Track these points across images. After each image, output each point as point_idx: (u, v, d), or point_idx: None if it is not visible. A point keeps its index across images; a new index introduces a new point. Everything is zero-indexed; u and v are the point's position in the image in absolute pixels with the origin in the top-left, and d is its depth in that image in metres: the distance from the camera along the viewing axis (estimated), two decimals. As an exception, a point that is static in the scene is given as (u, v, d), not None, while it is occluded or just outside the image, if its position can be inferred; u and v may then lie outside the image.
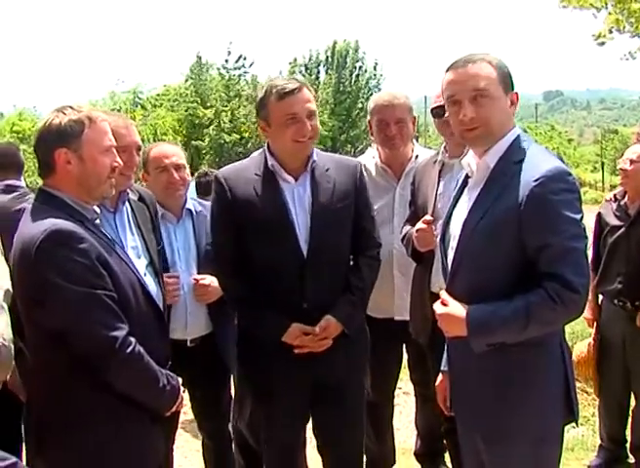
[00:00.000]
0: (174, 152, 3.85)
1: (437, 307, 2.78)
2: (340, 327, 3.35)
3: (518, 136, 2.73)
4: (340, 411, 3.48)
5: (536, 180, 2.53)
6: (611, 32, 15.68)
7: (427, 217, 3.65)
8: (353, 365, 3.50)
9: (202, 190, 5.30)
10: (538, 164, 2.59)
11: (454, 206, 2.91)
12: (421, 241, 3.63)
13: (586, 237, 2.63)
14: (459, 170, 3.41)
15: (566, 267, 2.50)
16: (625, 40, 15.95)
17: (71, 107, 2.74)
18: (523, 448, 2.70)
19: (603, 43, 15.92)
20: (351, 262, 3.54)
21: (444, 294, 2.79)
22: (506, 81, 2.70)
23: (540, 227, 2.54)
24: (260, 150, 3.46)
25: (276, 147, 3.38)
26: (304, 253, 3.30)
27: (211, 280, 3.71)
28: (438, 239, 2.99)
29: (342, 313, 3.36)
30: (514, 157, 2.66)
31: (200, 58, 33.65)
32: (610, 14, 15.37)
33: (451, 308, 2.72)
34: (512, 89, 2.72)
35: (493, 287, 2.65)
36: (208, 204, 4.01)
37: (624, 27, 15.39)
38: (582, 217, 2.60)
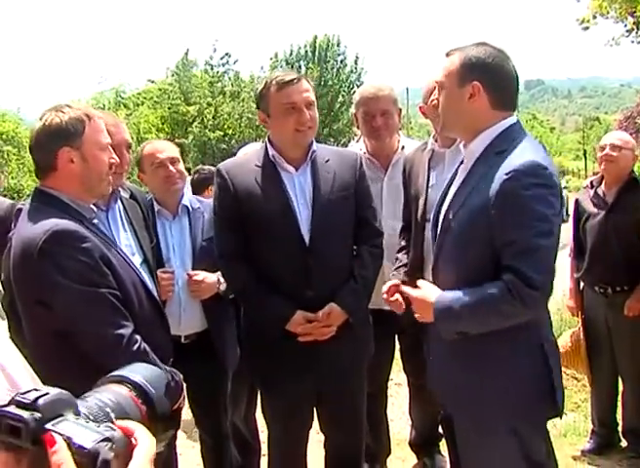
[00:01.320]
0: (166, 147, 3.87)
1: (410, 290, 2.82)
2: (344, 314, 3.37)
3: (509, 127, 2.70)
4: (343, 402, 3.54)
5: (507, 174, 2.51)
6: (595, 18, 15.76)
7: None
8: (358, 355, 3.54)
9: (196, 187, 5.27)
10: (515, 157, 2.56)
11: (446, 190, 2.92)
12: (393, 306, 3.57)
13: (553, 233, 2.56)
14: (451, 159, 3.43)
15: (527, 263, 2.48)
16: (610, 25, 16.03)
17: (68, 106, 2.72)
18: (502, 438, 2.70)
19: (587, 28, 16.00)
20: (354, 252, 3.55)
21: (421, 281, 2.83)
22: (464, 73, 2.68)
23: (506, 222, 2.52)
24: (262, 143, 3.51)
25: (276, 138, 3.43)
26: (307, 241, 3.33)
27: (204, 276, 3.72)
28: (431, 223, 3.01)
29: (346, 301, 3.38)
30: (498, 148, 2.64)
31: (187, 54, 33.55)
32: (593, -1, 15.45)
33: (423, 292, 2.76)
34: (473, 80, 2.66)
35: (471, 274, 2.66)
36: (206, 201, 4.04)
37: (608, 12, 15.47)
38: (558, 213, 2.57)
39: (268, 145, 3.45)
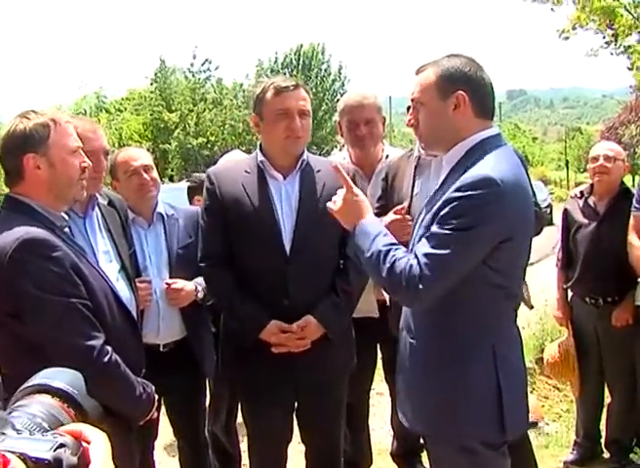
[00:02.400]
0: (140, 155, 3.82)
1: (345, 196, 2.80)
2: (321, 328, 3.33)
3: (483, 140, 2.63)
4: (319, 413, 3.51)
5: (457, 187, 2.47)
6: (574, 29, 15.87)
7: (399, 207, 3.64)
8: (337, 368, 3.50)
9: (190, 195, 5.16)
10: (473, 170, 2.50)
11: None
12: (398, 232, 3.56)
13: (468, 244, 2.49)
14: (437, 168, 3.40)
15: (426, 254, 2.46)
16: (590, 36, 16.20)
17: (34, 112, 2.66)
18: (463, 455, 2.65)
19: (567, 38, 16.10)
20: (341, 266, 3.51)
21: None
22: (445, 85, 2.62)
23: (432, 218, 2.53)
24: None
25: (266, 143, 3.41)
26: (287, 250, 3.29)
27: (183, 284, 3.68)
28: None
29: (324, 314, 3.33)
30: (468, 161, 2.58)
31: (164, 61, 33.49)
32: (577, 9, 15.56)
33: (360, 197, 2.78)
34: (457, 90, 2.61)
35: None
36: (181, 207, 4.01)
37: (587, 24, 15.59)
38: (479, 232, 2.45)
39: (258, 152, 3.43)
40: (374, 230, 2.66)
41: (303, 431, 3.65)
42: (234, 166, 3.53)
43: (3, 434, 1.06)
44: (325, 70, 41.56)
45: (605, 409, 5.06)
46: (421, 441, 4.44)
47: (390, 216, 3.63)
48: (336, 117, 4.33)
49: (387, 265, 2.53)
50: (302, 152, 3.42)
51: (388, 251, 2.56)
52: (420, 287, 2.45)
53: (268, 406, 3.41)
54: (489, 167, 2.49)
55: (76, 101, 31.45)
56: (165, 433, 4.27)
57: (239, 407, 4.52)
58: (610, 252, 4.65)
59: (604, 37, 16.17)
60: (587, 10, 15.08)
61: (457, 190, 2.46)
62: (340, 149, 4.61)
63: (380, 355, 4.49)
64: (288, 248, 3.30)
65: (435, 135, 2.73)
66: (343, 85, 40.64)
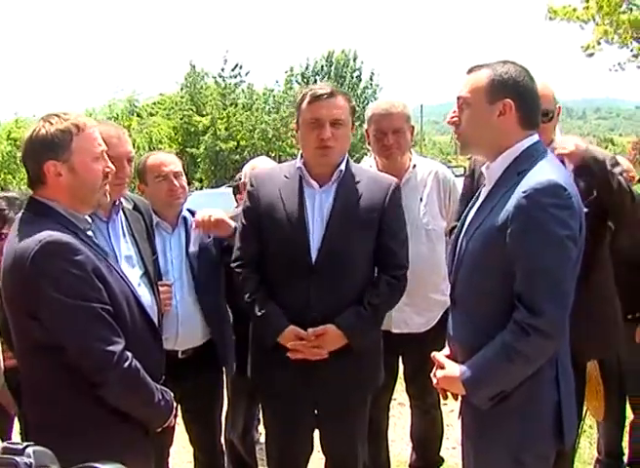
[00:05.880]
0: (172, 160, 3.82)
1: (437, 372, 2.76)
2: (342, 337, 3.29)
3: (531, 146, 2.63)
4: (338, 425, 3.49)
5: (524, 192, 2.46)
6: (599, 44, 15.74)
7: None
8: (361, 382, 3.47)
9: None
10: (532, 175, 2.51)
11: (469, 210, 2.85)
12: None
13: (568, 258, 2.48)
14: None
15: (533, 290, 2.43)
16: (614, 51, 16.07)
17: (57, 116, 2.63)
18: (496, 465, 2.64)
19: (592, 54, 15.99)
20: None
21: (439, 356, 2.78)
22: (495, 90, 2.62)
23: (518, 245, 2.46)
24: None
25: (303, 151, 3.43)
26: (313, 260, 3.28)
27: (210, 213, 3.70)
28: (451, 243, 2.95)
29: (346, 322, 3.30)
30: (519, 167, 2.58)
31: (194, 66, 33.65)
32: (598, 25, 15.42)
33: (447, 371, 2.70)
34: (505, 97, 2.60)
35: (487, 297, 2.61)
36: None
37: (613, 38, 15.45)
38: (575, 237, 2.48)
39: (298, 158, 3.44)
40: (474, 369, 2.57)
41: (323, 441, 3.62)
42: (276, 170, 3.57)
43: (48, 467, 1.15)
44: (357, 77, 41.53)
45: (627, 427, 4.98)
46: (441, 454, 4.43)
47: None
48: (364, 125, 4.30)
49: (515, 356, 2.47)
50: (341, 162, 3.40)
51: (498, 356, 2.50)
52: (540, 320, 2.42)
53: (287, 411, 3.41)
54: (550, 173, 2.51)
55: (109, 104, 31.77)
56: (180, 440, 4.26)
57: (256, 415, 4.52)
58: (631, 266, 4.57)
59: (631, 50, 16.03)
60: (614, 24, 14.94)
61: (523, 199, 2.45)
62: (370, 156, 4.57)
63: (401, 366, 4.46)
64: (314, 257, 3.29)
65: (474, 136, 2.73)
66: (375, 92, 40.58)
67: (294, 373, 3.32)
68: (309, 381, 3.32)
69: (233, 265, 3.47)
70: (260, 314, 3.34)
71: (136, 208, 3.36)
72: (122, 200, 3.26)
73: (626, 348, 4.69)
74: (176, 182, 3.72)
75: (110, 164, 2.74)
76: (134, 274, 3.04)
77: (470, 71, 2.71)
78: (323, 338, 3.28)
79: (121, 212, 3.22)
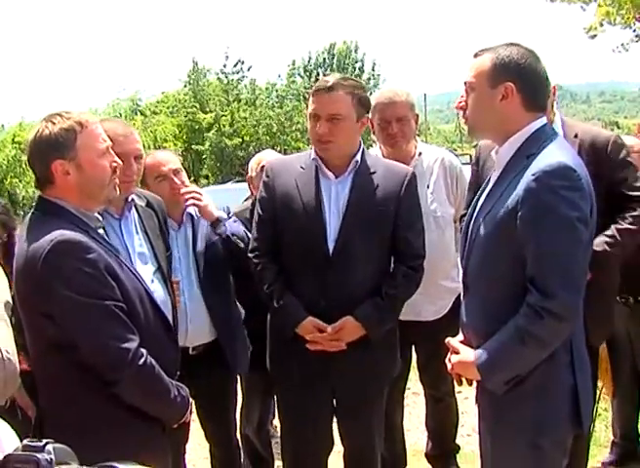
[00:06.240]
0: (169, 159, 3.79)
1: (451, 358, 2.76)
2: (361, 328, 3.31)
3: (539, 129, 2.63)
4: (356, 415, 3.50)
5: (533, 175, 2.46)
6: (602, 25, 15.66)
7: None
8: (378, 373, 3.48)
9: None
10: (542, 158, 2.51)
11: (479, 196, 2.85)
12: None
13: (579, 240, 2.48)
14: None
15: (545, 273, 2.43)
16: (617, 32, 15.95)
17: (59, 115, 2.63)
18: (522, 453, 2.63)
19: (594, 36, 15.91)
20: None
21: (453, 342, 2.78)
22: (496, 74, 2.61)
23: (528, 228, 2.46)
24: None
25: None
26: (330, 251, 3.29)
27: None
28: (462, 230, 2.95)
29: (365, 315, 3.31)
30: (527, 151, 2.58)
31: (196, 63, 33.59)
32: (600, 6, 15.34)
33: (462, 356, 2.70)
34: (507, 80, 2.60)
35: (499, 282, 2.62)
36: None
37: (615, 19, 15.37)
38: (586, 219, 2.48)
39: (312, 149, 3.45)
40: (489, 353, 2.57)
41: (341, 431, 3.64)
42: (292, 160, 3.60)
43: (68, 464, 1.17)
44: (359, 69, 41.46)
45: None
46: (457, 441, 4.42)
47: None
48: (368, 115, 4.28)
49: (529, 339, 2.48)
50: (356, 153, 3.40)
51: (512, 340, 2.51)
52: (554, 302, 2.42)
53: (304, 403, 3.42)
54: (559, 155, 2.52)
55: (112, 104, 31.74)
56: (197, 435, 4.26)
57: (272, 409, 4.52)
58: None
59: (634, 31, 15.95)
60: (616, 5, 14.86)
61: (533, 181, 2.45)
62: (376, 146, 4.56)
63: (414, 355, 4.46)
64: (331, 248, 3.30)
65: (479, 121, 2.75)
66: (378, 83, 40.53)
67: (312, 364, 3.34)
68: (327, 372, 3.35)
69: (250, 255, 3.47)
70: (278, 305, 3.36)
71: (149, 205, 3.35)
72: (134, 197, 3.27)
73: (636, 330, 4.68)
74: (176, 180, 3.72)
75: (117, 158, 2.74)
76: (147, 271, 3.05)
77: (476, 55, 2.72)
78: (342, 330, 3.29)
79: (134, 209, 3.23)
